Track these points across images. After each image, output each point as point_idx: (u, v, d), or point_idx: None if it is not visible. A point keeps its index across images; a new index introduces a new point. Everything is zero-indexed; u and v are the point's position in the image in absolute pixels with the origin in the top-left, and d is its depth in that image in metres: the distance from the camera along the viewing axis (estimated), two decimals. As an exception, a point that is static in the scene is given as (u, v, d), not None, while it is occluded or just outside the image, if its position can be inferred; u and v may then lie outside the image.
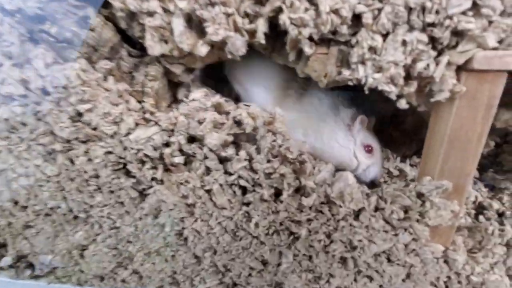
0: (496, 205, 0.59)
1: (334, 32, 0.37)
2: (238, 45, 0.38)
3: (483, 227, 0.49)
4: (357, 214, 0.47)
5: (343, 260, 0.50)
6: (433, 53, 0.36)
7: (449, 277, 0.50)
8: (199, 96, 0.45)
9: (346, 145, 0.53)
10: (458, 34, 0.36)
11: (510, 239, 0.47)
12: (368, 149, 0.53)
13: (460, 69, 0.38)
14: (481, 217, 0.57)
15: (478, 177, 0.64)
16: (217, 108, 0.44)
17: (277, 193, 0.47)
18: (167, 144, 0.44)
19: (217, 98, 0.45)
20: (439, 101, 0.39)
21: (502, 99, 0.49)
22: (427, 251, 0.48)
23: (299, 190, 0.47)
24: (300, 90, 0.55)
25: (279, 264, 0.52)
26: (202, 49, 0.38)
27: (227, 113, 0.45)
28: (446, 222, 0.45)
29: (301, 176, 0.46)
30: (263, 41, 0.38)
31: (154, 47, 0.39)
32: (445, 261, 0.49)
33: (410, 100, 0.41)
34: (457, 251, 0.49)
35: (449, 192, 0.44)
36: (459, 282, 0.50)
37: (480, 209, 0.61)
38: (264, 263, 0.52)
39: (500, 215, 0.57)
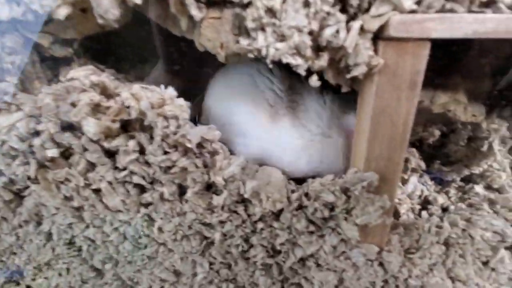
0: (441, 199, 0.54)
1: (227, -10, 0.31)
2: (105, 4, 0.30)
3: (420, 225, 0.44)
4: (278, 214, 0.41)
5: (267, 267, 0.44)
6: (343, 17, 0.30)
7: (386, 281, 0.45)
8: (82, 75, 0.37)
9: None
10: (371, -6, 0.30)
11: (449, 238, 0.43)
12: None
13: (377, 38, 0.32)
14: (424, 213, 0.52)
15: (425, 170, 0.60)
16: (102, 89, 0.37)
17: (183, 191, 0.39)
18: (37, 133, 0.36)
19: (102, 77, 0.36)
20: (356, 78, 0.33)
21: (437, 80, 0.45)
22: (358, 254, 0.42)
23: (211, 187, 0.40)
24: (291, 105, 0.45)
25: (194, 274, 0.44)
26: (61, 11, 0.30)
27: (117, 96, 0.37)
28: (375, 220, 0.39)
29: (210, 171, 0.39)
30: (138, 1, 0.30)
31: (1, 10, 0.31)
32: (380, 264, 0.44)
33: (327, 77, 0.35)
34: (392, 252, 0.44)
35: (377, 186, 0.39)
36: (397, 286, 0.44)
37: (425, 203, 0.56)
38: (177, 273, 0.45)
39: (445, 209, 0.53)
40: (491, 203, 0.48)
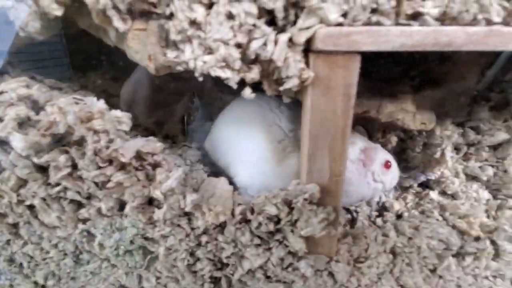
0: (398, 205, 0.55)
1: (150, 1, 0.29)
2: (24, 17, 0.28)
3: (368, 234, 0.44)
4: (223, 227, 0.40)
5: (215, 280, 0.43)
6: (269, 30, 0.29)
7: (336, 291, 0.45)
8: (11, 88, 0.35)
9: (363, 183, 0.44)
10: (298, 6, 0.29)
11: (395, 246, 0.43)
12: (387, 165, 0.44)
13: (308, 51, 0.31)
14: (378, 220, 0.52)
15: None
16: (33, 102, 0.35)
17: (123, 206, 0.38)
18: (-39, 149, 0.34)
19: (32, 90, 0.35)
20: (289, 90, 0.32)
21: (384, 91, 0.45)
22: (306, 265, 0.42)
23: (154, 201, 0.39)
24: (297, 144, 0.43)
25: (141, 289, 0.43)
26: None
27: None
28: (319, 232, 0.39)
29: (151, 185, 0.38)
30: (58, 13, 0.29)
31: None
32: (330, 274, 0.44)
33: (265, 89, 0.35)
34: (341, 262, 0.43)
35: (320, 197, 0.38)
36: (347, 296, 0.44)
37: (383, 210, 0.57)
38: (124, 288, 0.44)
39: (399, 216, 0.53)
40: (442, 209, 0.48)
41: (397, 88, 0.44)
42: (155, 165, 0.39)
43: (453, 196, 0.52)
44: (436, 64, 0.61)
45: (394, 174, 0.46)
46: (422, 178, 0.54)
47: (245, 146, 0.46)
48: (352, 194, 0.45)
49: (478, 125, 0.52)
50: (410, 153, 0.56)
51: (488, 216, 0.48)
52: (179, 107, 0.60)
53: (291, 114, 0.47)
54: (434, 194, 0.52)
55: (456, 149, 0.54)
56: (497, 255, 0.43)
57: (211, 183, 0.41)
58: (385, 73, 0.47)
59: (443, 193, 0.53)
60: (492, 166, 0.52)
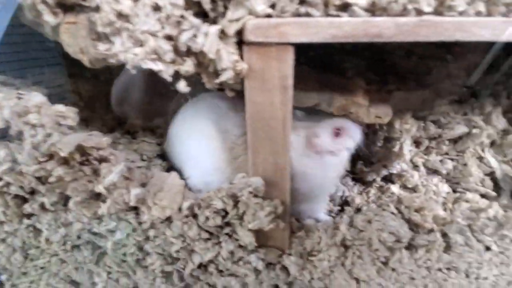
0: (359, 200, 0.55)
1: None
2: None
3: (321, 227, 0.44)
4: (171, 221, 0.40)
5: (167, 274, 0.43)
6: (197, 22, 0.29)
7: (290, 284, 0.45)
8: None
9: (316, 167, 0.44)
10: (226, -2, 0.29)
11: (345, 239, 0.43)
12: (337, 134, 0.43)
13: (242, 43, 0.31)
14: (341, 214, 0.53)
15: (348, 170, 0.60)
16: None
17: (68, 200, 0.38)
18: None
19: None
20: (226, 82, 0.32)
21: (336, 84, 0.45)
22: (257, 258, 0.42)
23: (100, 196, 0.39)
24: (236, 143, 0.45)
25: (93, 284, 0.43)
26: None
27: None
28: (267, 225, 0.39)
29: (95, 180, 0.38)
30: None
31: None
32: (283, 267, 0.44)
33: (206, 83, 0.34)
34: (293, 255, 0.43)
35: (267, 191, 0.38)
36: (302, 288, 0.44)
37: (345, 204, 0.57)
38: (75, 283, 0.43)
39: (359, 210, 0.53)
40: (399, 202, 0.48)
41: (350, 81, 0.44)
42: (102, 160, 0.39)
43: (414, 190, 0.52)
44: (402, 58, 0.61)
45: (351, 135, 0.45)
46: (384, 172, 0.54)
47: (196, 151, 0.46)
48: (320, 185, 0.46)
49: (439, 119, 0.52)
50: (372, 148, 0.56)
51: (445, 209, 0.48)
52: (172, 105, 0.60)
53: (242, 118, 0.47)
54: (395, 188, 0.53)
55: (418, 142, 0.54)
56: (448, 247, 0.43)
57: (160, 177, 0.41)
58: (338, 66, 0.46)
59: (404, 186, 0.53)
60: (452, 159, 0.52)
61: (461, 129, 0.50)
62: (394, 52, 0.62)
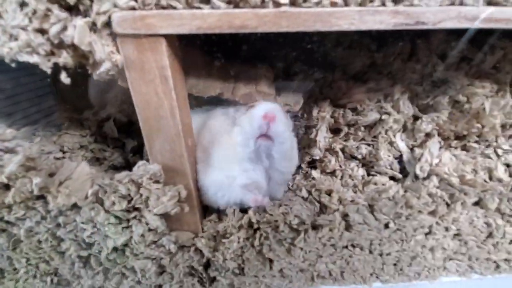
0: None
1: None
2: None
3: (228, 211, 0.46)
4: (80, 208, 0.42)
5: (85, 259, 0.45)
6: (64, 15, 0.30)
7: (206, 265, 0.47)
8: None
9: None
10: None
11: (251, 222, 0.45)
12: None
13: (117, 35, 0.33)
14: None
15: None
16: None
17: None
18: None
19: None
20: (107, 73, 0.34)
21: (240, 73, 0.47)
22: (169, 241, 0.44)
23: (9, 186, 0.41)
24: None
25: (15, 270, 0.45)
26: None
27: None
28: (172, 209, 0.41)
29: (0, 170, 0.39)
30: None
31: None
32: (197, 250, 0.46)
33: (93, 75, 0.36)
34: (205, 238, 0.46)
35: (170, 177, 0.41)
36: (217, 269, 0.47)
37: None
38: (1, 270, 0.45)
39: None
40: (311, 186, 0.51)
41: (254, 71, 0.46)
42: (8, 151, 0.40)
43: (332, 174, 0.55)
44: (331, 49, 0.63)
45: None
46: (308, 159, 0.57)
47: (211, 151, 0.47)
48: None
49: (356, 106, 0.55)
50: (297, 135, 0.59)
51: (355, 192, 0.51)
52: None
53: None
54: (315, 173, 0.55)
55: (338, 129, 0.56)
56: (349, 226, 0.46)
57: (69, 167, 0.42)
58: (243, 56, 0.48)
59: (323, 171, 0.56)
60: (368, 144, 0.55)
61: (373, 115, 0.53)
62: (324, 43, 0.64)
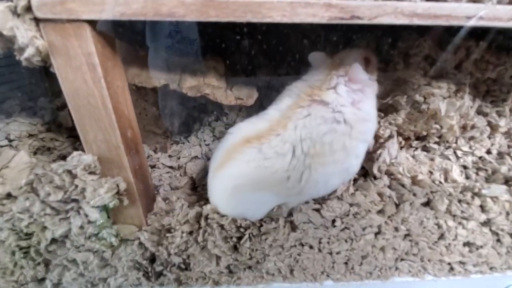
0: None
1: None
2: None
3: (175, 205, 0.46)
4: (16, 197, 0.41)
5: (25, 250, 0.44)
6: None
7: (151, 259, 0.47)
8: None
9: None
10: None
11: (197, 216, 0.44)
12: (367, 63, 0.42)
13: (40, 21, 0.31)
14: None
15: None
16: None
17: None
18: None
19: None
20: (32, 59, 0.32)
21: (187, 65, 0.46)
22: (109, 234, 0.43)
23: None
24: None
25: (-47, 259, 0.44)
26: None
27: None
28: (110, 202, 0.40)
29: None
30: None
31: None
32: (141, 244, 0.46)
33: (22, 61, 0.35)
34: (149, 232, 0.45)
35: (107, 168, 0.40)
36: (162, 263, 0.46)
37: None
38: None
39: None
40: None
41: (203, 63, 0.45)
42: None
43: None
44: (297, 42, 0.62)
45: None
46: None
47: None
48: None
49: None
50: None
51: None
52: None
53: None
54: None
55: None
56: (294, 226, 0.45)
57: (7, 155, 0.41)
58: (190, 48, 0.47)
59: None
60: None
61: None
62: (290, 36, 0.63)
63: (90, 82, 0.34)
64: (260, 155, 0.40)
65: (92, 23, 0.31)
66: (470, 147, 0.55)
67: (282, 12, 0.31)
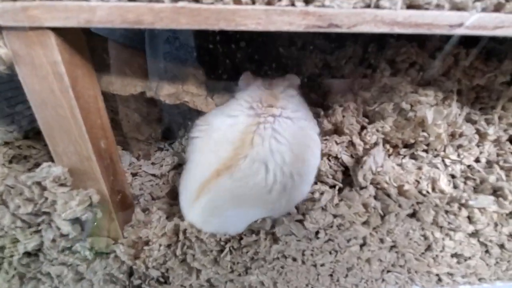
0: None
1: None
2: None
3: (153, 218, 0.44)
4: (-14, 210, 0.39)
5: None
6: None
7: (129, 272, 0.45)
8: None
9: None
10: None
11: (176, 228, 0.43)
12: None
13: (2, 29, 0.30)
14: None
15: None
16: None
17: None
18: None
19: None
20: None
21: (166, 72, 0.44)
22: (83, 247, 0.42)
23: None
24: None
25: None
26: None
27: None
28: (82, 214, 0.38)
29: None
30: None
31: None
32: (117, 257, 0.44)
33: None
34: (124, 244, 0.44)
35: (79, 181, 0.38)
36: (140, 277, 0.45)
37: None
38: None
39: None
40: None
41: (182, 69, 0.43)
42: None
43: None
44: (285, 48, 0.61)
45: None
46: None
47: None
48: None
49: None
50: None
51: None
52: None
53: None
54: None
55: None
56: (276, 240, 0.44)
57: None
58: (171, 55, 0.46)
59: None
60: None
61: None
62: (276, 42, 0.62)
63: (57, 92, 0.32)
64: (231, 181, 0.39)
65: (57, 30, 0.29)
66: (459, 155, 0.54)
67: (257, 20, 0.29)
